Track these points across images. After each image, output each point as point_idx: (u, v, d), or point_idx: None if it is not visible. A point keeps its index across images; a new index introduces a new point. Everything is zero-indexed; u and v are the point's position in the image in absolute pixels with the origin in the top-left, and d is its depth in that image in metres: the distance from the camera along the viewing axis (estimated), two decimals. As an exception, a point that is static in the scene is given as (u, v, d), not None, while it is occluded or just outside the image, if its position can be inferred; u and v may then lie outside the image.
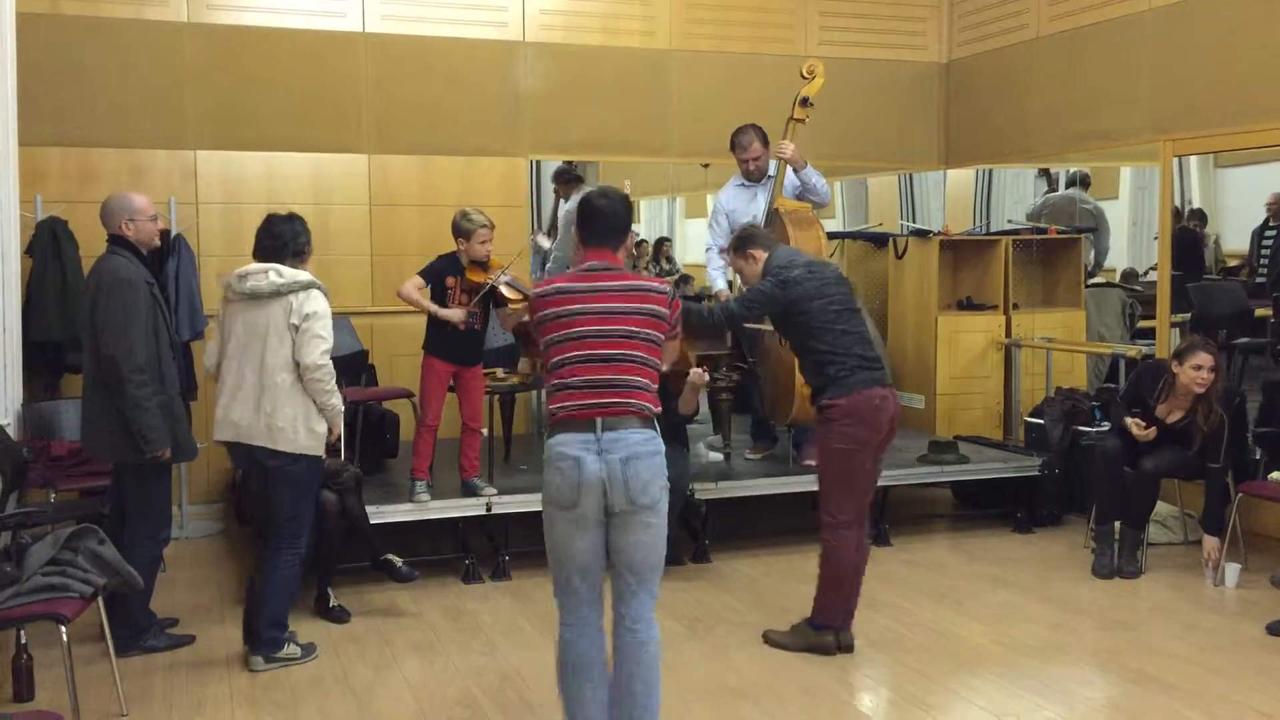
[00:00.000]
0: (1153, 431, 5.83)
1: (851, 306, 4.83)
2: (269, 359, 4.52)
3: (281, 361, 4.52)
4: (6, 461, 5.17)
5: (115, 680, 4.26)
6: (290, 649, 4.72)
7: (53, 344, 6.17)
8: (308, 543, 5.17)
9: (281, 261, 4.63)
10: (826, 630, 4.79)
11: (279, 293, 4.52)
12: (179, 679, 4.57)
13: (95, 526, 4.20)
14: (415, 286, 5.61)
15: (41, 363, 6.19)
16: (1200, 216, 9.32)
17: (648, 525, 3.45)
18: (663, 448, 3.51)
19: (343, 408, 4.77)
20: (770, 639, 4.90)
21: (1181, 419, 5.82)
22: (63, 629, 3.89)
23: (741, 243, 4.99)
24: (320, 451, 4.68)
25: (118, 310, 4.54)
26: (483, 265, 5.68)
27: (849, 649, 4.81)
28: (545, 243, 9.17)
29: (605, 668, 3.52)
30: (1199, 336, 6.10)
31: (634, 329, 3.50)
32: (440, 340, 5.67)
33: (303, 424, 4.56)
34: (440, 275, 5.65)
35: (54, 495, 5.54)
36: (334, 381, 4.64)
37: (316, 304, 4.56)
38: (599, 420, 3.41)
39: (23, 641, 4.32)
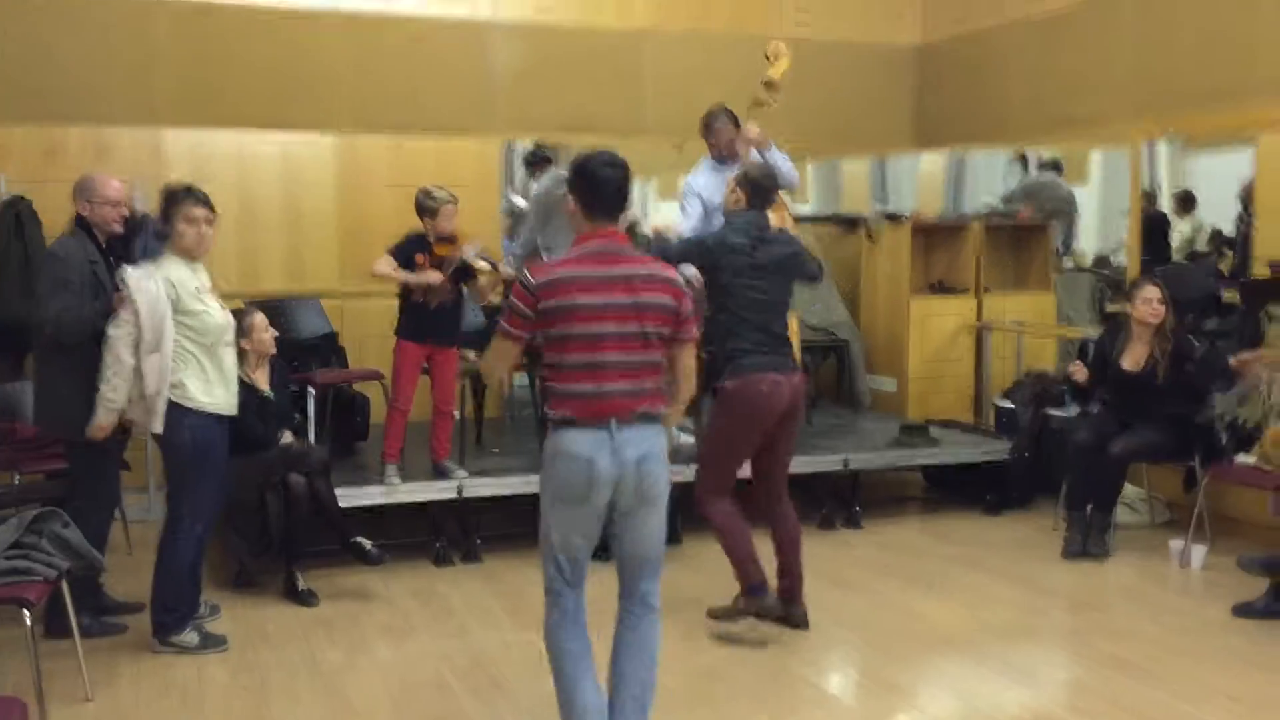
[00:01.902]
0: (1083, 371, 6.07)
1: (776, 301, 4.67)
2: None
3: None
4: (-31, 444, 5.11)
5: (80, 665, 4.22)
6: (187, 635, 4.62)
7: (15, 325, 6.07)
8: (277, 525, 5.15)
9: None
10: (760, 594, 4.75)
11: None
12: (145, 663, 4.53)
13: (59, 509, 4.15)
14: (387, 264, 5.56)
15: (4, 344, 6.10)
16: (1188, 200, 9.30)
17: (656, 517, 3.44)
18: (666, 442, 3.46)
19: (109, 396, 4.44)
20: (712, 612, 4.89)
21: (1145, 364, 5.89)
22: (26, 613, 3.84)
23: (749, 180, 4.80)
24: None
25: (45, 280, 4.52)
26: (450, 241, 5.65)
27: (803, 624, 4.80)
28: (520, 201, 9.05)
29: (591, 651, 3.49)
30: (1146, 275, 6.24)
31: (647, 328, 3.32)
32: (414, 323, 5.63)
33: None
34: (409, 254, 5.61)
35: (19, 478, 5.48)
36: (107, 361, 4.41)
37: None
38: (613, 420, 3.29)
39: (-14, 625, 4.28)
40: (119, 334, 4.34)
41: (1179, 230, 8.89)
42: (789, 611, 4.82)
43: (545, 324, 3.32)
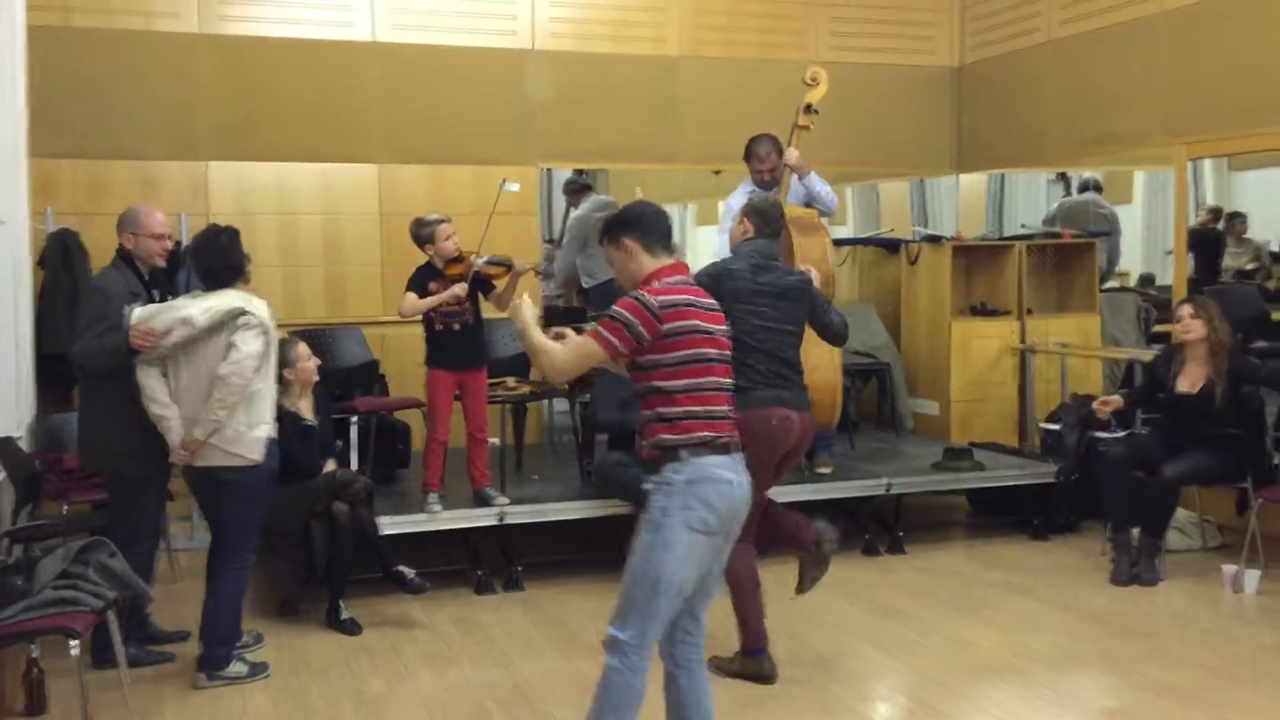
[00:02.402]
0: (1113, 402, 6.05)
1: (786, 328, 4.59)
2: None
3: None
4: (19, 474, 5.18)
5: (125, 695, 4.24)
6: (236, 667, 4.64)
7: (63, 356, 6.17)
8: (321, 554, 5.17)
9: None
10: (760, 655, 4.60)
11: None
12: (190, 693, 4.55)
13: (106, 539, 4.20)
14: (411, 299, 5.59)
15: (53, 376, 6.18)
16: (1237, 220, 9.20)
17: (734, 538, 3.45)
18: None
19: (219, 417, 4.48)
20: (715, 662, 4.56)
21: (1202, 386, 5.83)
22: (73, 643, 3.87)
23: (756, 211, 4.80)
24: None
25: (86, 313, 4.59)
26: (457, 260, 5.66)
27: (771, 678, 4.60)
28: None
29: None
30: (1188, 296, 6.25)
31: (728, 353, 3.45)
32: (441, 350, 5.65)
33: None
34: (422, 285, 5.62)
35: (66, 508, 5.54)
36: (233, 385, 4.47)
37: None
38: (733, 444, 3.36)
39: (34, 655, 4.31)
40: (251, 360, 4.41)
41: (1231, 251, 8.79)
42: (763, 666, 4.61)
43: (665, 347, 3.28)
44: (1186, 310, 5.92)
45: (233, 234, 4.62)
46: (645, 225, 3.44)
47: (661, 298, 3.29)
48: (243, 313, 4.42)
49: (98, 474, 5.25)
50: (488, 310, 5.83)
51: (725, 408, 3.37)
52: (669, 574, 3.23)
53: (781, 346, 4.58)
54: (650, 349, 3.28)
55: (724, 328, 3.44)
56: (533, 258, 5.69)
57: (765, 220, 4.75)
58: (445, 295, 5.53)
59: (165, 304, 4.55)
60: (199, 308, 4.42)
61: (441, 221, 5.64)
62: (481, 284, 5.71)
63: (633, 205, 3.58)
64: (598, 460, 6.24)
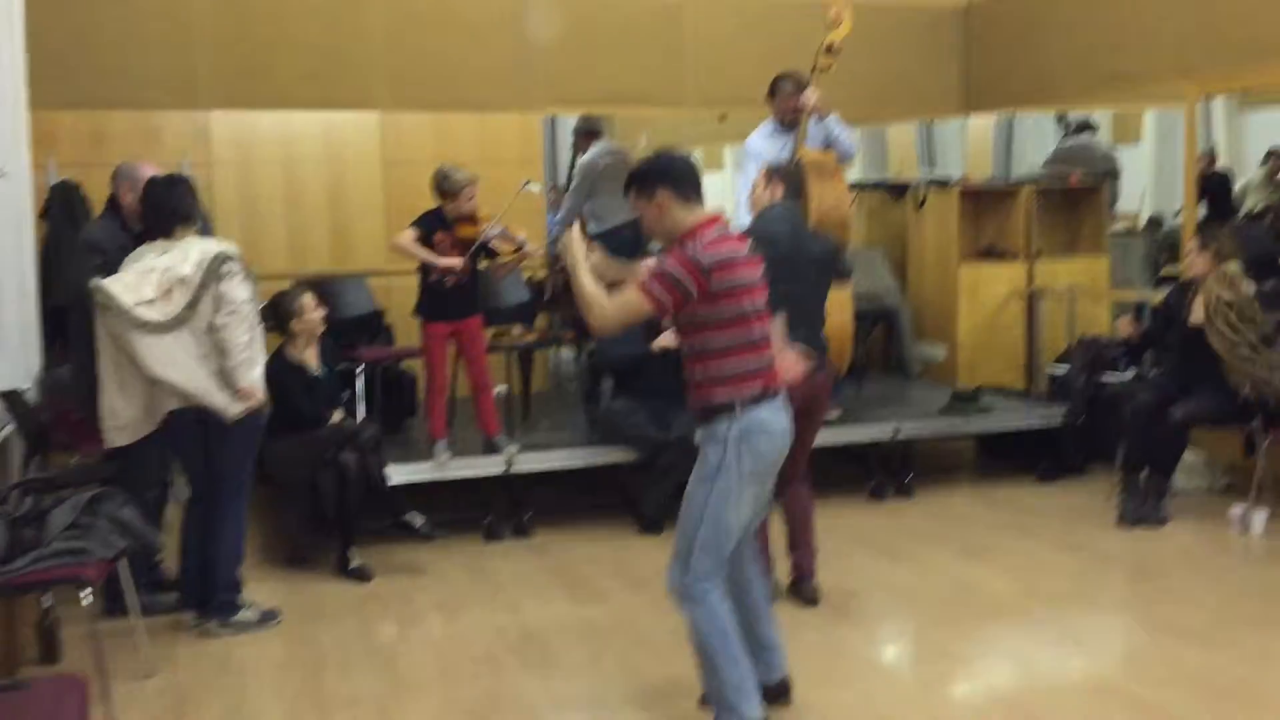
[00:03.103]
0: (1128, 326, 6.16)
1: (800, 289, 4.56)
2: None
3: None
4: (27, 426, 5.18)
5: (140, 643, 4.28)
6: (246, 614, 4.68)
7: (68, 309, 6.16)
8: (330, 503, 5.19)
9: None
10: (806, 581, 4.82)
11: None
12: (205, 641, 4.59)
13: (116, 490, 4.20)
14: (411, 238, 5.54)
15: (58, 327, 6.16)
16: (1272, 158, 9.05)
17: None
18: None
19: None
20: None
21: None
22: (85, 592, 3.89)
23: (784, 174, 4.80)
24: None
25: (84, 265, 4.57)
26: (470, 220, 5.63)
27: (813, 600, 4.77)
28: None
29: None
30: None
31: (763, 303, 3.47)
32: (433, 302, 5.63)
33: None
34: (429, 231, 5.59)
35: (75, 459, 5.55)
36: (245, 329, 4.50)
37: None
38: (778, 389, 3.45)
39: (47, 605, 4.35)
40: (247, 305, 4.39)
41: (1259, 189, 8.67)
42: (800, 588, 4.79)
43: (714, 303, 3.30)
44: (1193, 244, 5.94)
45: (169, 182, 4.57)
46: (676, 175, 3.41)
47: (710, 254, 3.28)
48: (226, 259, 4.38)
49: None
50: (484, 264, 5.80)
51: (769, 355, 3.44)
52: (729, 521, 3.40)
53: (805, 314, 4.61)
54: (698, 305, 3.31)
55: (760, 276, 3.45)
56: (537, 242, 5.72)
57: (790, 182, 4.80)
58: (444, 263, 5.49)
59: (140, 265, 4.39)
60: (189, 263, 4.33)
61: (470, 183, 5.59)
62: (481, 250, 5.68)
63: (661, 155, 3.51)
64: (603, 409, 6.24)
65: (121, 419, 4.47)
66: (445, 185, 5.58)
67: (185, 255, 4.36)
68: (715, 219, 3.41)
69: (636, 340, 5.47)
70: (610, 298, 3.36)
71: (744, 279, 3.35)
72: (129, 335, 4.29)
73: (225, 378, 4.40)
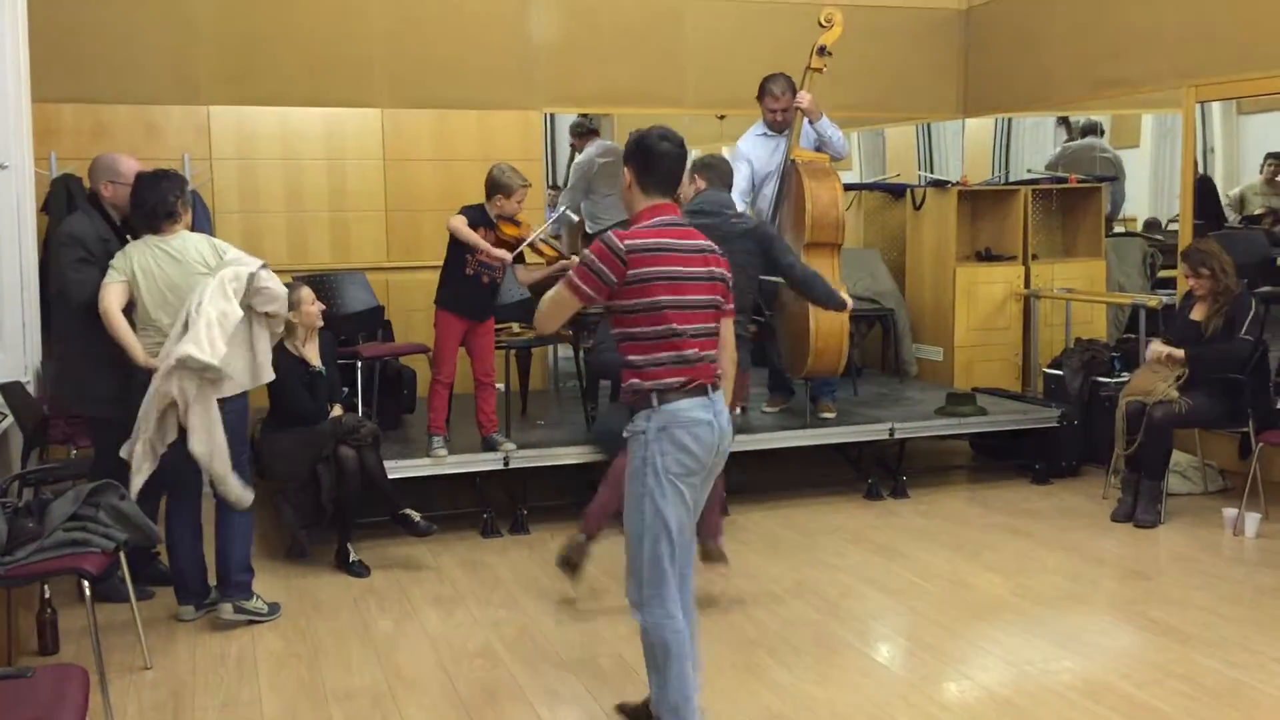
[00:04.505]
0: (1165, 351, 5.94)
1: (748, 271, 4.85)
2: None
3: None
4: (27, 418, 5.20)
5: (139, 634, 4.31)
6: (258, 602, 4.73)
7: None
8: (329, 498, 5.21)
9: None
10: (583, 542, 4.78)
11: None
12: (202, 633, 4.62)
13: (116, 482, 4.23)
14: (465, 222, 5.55)
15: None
16: (1268, 161, 9.07)
17: (719, 470, 3.48)
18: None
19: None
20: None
21: (1208, 315, 5.91)
22: (85, 583, 3.92)
23: (706, 166, 5.03)
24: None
25: (63, 258, 4.62)
26: (512, 222, 5.67)
27: (720, 559, 4.77)
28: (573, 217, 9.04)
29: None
30: (1189, 246, 6.23)
31: (717, 299, 3.39)
32: (455, 295, 5.66)
33: None
34: (474, 224, 5.62)
35: (74, 451, 5.57)
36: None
37: None
38: (709, 385, 3.33)
39: (46, 596, 4.37)
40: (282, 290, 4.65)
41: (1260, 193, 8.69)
42: (705, 548, 4.69)
43: (631, 293, 3.26)
44: (1184, 269, 6.02)
45: (154, 178, 4.59)
46: (647, 162, 3.40)
47: (630, 241, 3.26)
48: (252, 275, 4.51)
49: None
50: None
51: (699, 352, 3.31)
52: (660, 521, 3.28)
53: (744, 294, 4.78)
54: (620, 294, 3.27)
55: (707, 269, 3.36)
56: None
57: (716, 173, 4.90)
58: (494, 252, 5.51)
59: (199, 321, 4.39)
60: (226, 298, 4.42)
61: (524, 186, 5.62)
62: (518, 255, 5.73)
63: (650, 136, 3.41)
64: (596, 426, 6.26)
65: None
66: (502, 180, 5.59)
67: (224, 292, 4.42)
68: (662, 207, 3.39)
69: None
70: (547, 298, 3.40)
71: (670, 270, 3.27)
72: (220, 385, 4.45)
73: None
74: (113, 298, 4.46)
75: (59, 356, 4.84)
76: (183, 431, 4.43)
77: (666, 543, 3.29)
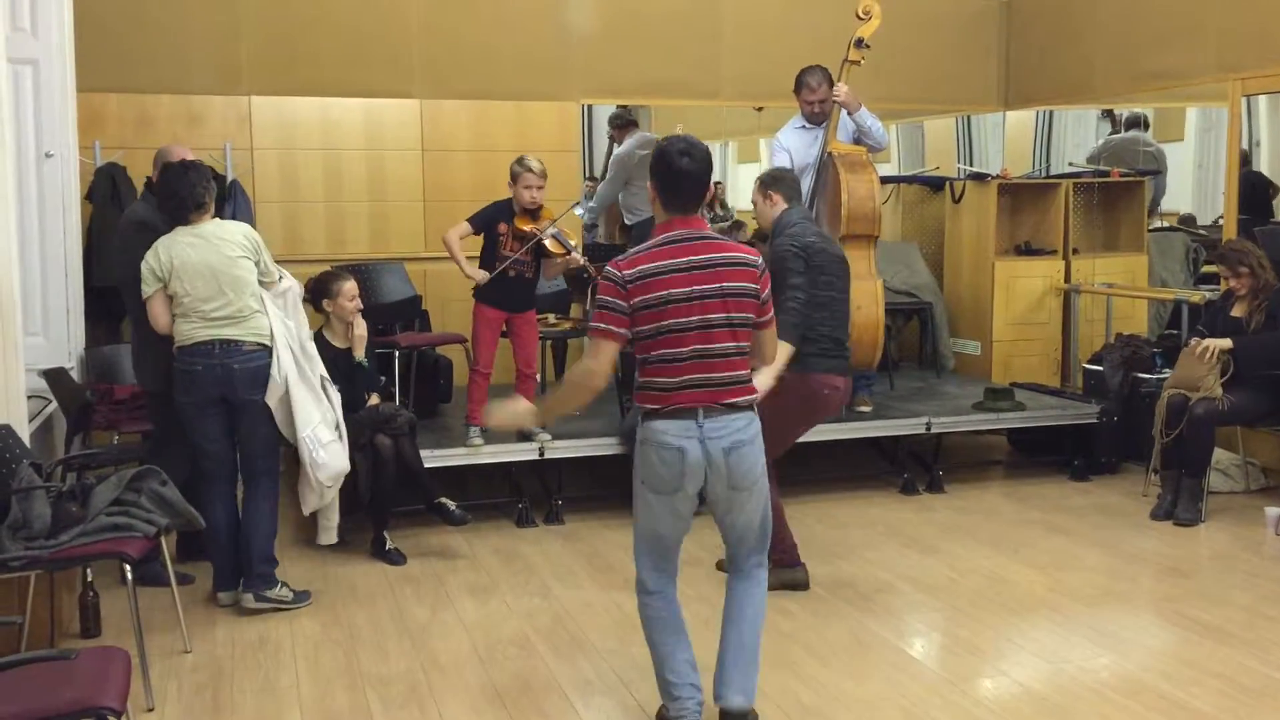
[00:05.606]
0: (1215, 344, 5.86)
1: (841, 292, 4.78)
2: None
3: None
4: (71, 404, 5.28)
5: (179, 617, 4.36)
6: (282, 590, 4.77)
7: (113, 289, 6.24)
8: (366, 486, 5.25)
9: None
10: (791, 567, 4.89)
11: None
12: (241, 618, 4.67)
13: (158, 468, 4.28)
14: (458, 234, 5.65)
15: (103, 308, 6.27)
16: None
17: (753, 501, 3.45)
18: (760, 428, 3.43)
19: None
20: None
21: (1249, 311, 5.91)
22: (127, 567, 3.97)
23: (779, 182, 4.92)
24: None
25: (130, 244, 4.70)
26: (532, 214, 5.69)
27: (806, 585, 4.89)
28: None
29: (686, 631, 3.56)
30: (1229, 243, 6.21)
31: (733, 316, 3.32)
32: (490, 288, 5.69)
33: None
34: (492, 222, 5.67)
35: (117, 438, 5.65)
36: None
37: None
38: (700, 410, 3.30)
39: (89, 579, 4.44)
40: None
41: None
42: (798, 575, 4.91)
43: (637, 320, 3.30)
44: (1222, 270, 6.04)
45: (182, 169, 4.63)
46: (666, 180, 3.37)
47: (628, 271, 3.29)
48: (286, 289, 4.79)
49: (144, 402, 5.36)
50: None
51: (687, 377, 3.30)
52: (644, 523, 3.47)
53: (844, 316, 4.79)
54: (631, 321, 3.32)
55: (714, 286, 3.29)
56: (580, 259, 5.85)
57: (787, 186, 4.87)
58: (472, 274, 5.64)
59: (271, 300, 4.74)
60: (280, 317, 4.72)
61: (533, 172, 5.65)
62: (540, 248, 5.77)
63: (672, 152, 3.35)
64: (621, 423, 6.26)
65: None
66: (513, 168, 5.69)
67: (270, 307, 4.72)
68: (674, 223, 3.36)
69: None
70: (585, 354, 3.48)
71: (671, 295, 3.27)
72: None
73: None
74: (159, 311, 4.60)
75: (135, 338, 4.94)
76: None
77: (651, 542, 3.49)
